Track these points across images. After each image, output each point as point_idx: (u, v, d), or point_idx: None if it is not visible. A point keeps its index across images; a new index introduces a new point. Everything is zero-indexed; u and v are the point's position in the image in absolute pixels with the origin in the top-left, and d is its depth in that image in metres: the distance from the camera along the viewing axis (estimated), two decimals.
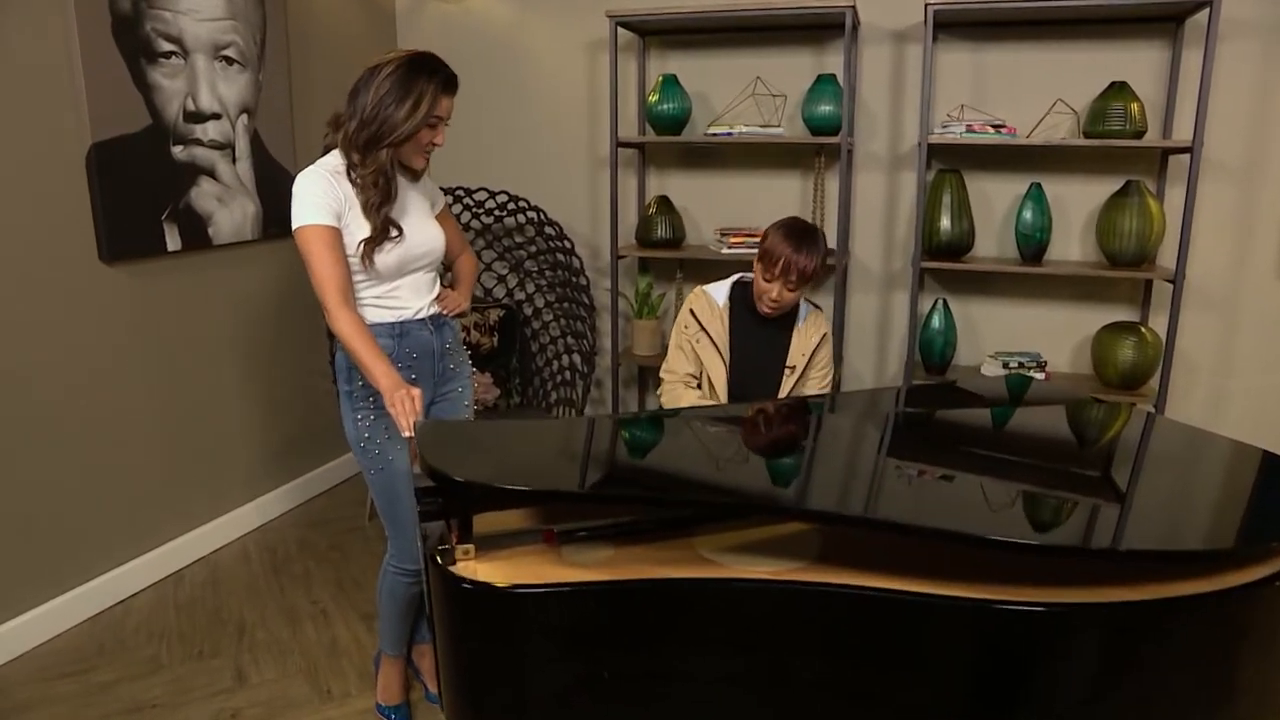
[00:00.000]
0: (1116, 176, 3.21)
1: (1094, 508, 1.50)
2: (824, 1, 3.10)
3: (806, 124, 3.38)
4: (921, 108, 3.12)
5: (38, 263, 2.58)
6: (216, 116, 3.10)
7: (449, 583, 1.31)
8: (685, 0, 3.37)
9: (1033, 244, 3.21)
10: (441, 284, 2.22)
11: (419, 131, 1.97)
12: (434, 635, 1.41)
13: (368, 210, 1.97)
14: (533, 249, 3.92)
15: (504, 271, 3.99)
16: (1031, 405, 2.13)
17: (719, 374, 2.51)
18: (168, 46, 2.88)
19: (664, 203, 3.63)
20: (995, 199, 3.40)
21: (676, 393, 2.55)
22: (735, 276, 2.63)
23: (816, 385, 2.57)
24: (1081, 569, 1.36)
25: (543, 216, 3.76)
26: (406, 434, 1.78)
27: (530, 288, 3.97)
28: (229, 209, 3.19)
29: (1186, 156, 2.98)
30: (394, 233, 2.00)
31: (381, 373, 1.87)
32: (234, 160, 3.19)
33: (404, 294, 2.09)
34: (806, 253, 2.36)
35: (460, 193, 3.74)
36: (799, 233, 2.40)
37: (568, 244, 3.75)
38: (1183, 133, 3.09)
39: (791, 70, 3.52)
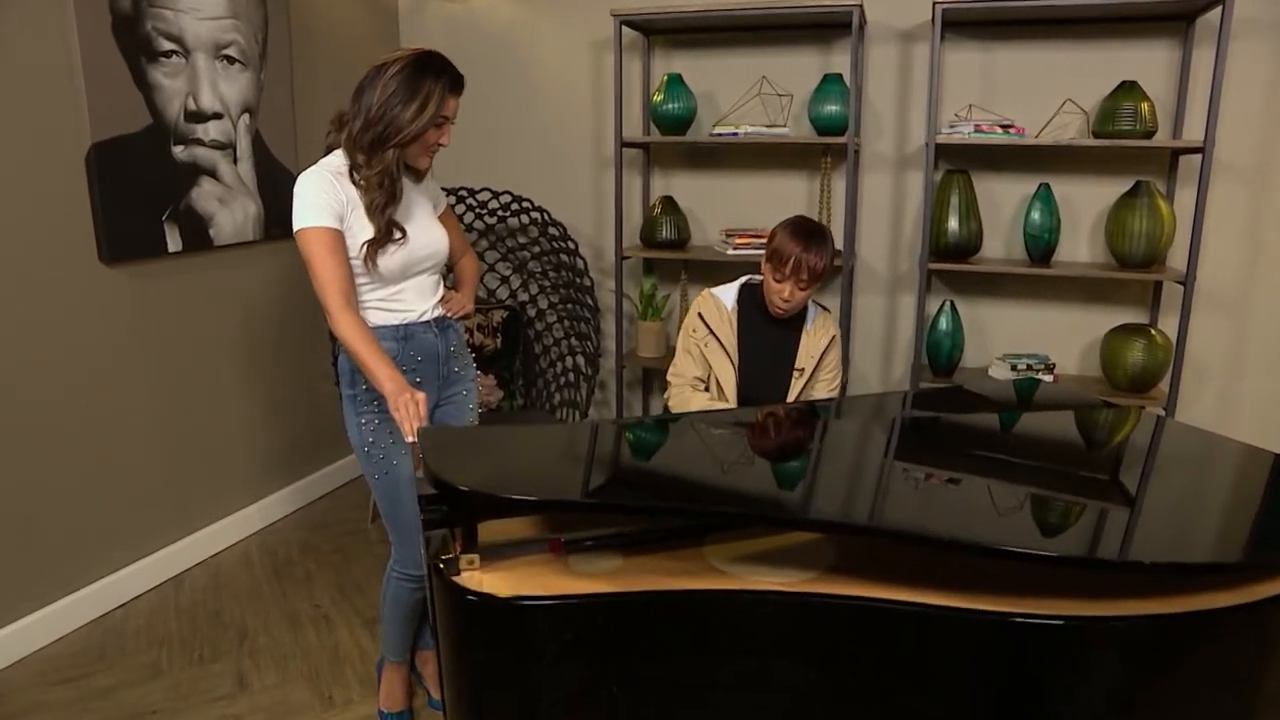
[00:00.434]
0: (1126, 177, 3.18)
1: (1103, 515, 1.47)
2: (831, 0, 3.07)
3: (813, 124, 3.35)
4: (929, 107, 3.09)
5: (37, 264, 2.56)
6: (218, 116, 3.07)
7: (454, 594, 1.29)
8: None
9: (1041, 245, 3.18)
10: (445, 285, 2.20)
11: (426, 132, 1.94)
12: (437, 642, 1.39)
13: (372, 212, 1.94)
14: (536, 250, 3.89)
15: (507, 272, 3.96)
16: (1041, 408, 2.10)
17: (728, 377, 2.48)
18: (168, 45, 2.85)
19: (669, 203, 3.60)
20: (1003, 200, 3.37)
21: (685, 396, 2.52)
22: (743, 279, 2.60)
23: (825, 388, 2.54)
24: (1100, 577, 1.34)
25: (546, 217, 3.73)
26: (410, 439, 1.75)
27: (534, 289, 3.94)
28: (230, 209, 3.16)
29: (1196, 157, 2.95)
30: (397, 235, 1.98)
31: (385, 376, 1.84)
32: (235, 160, 3.16)
33: (408, 296, 2.06)
34: (816, 250, 2.34)
35: (463, 193, 3.72)
36: (807, 231, 2.38)
37: (572, 245, 3.72)
38: (1193, 133, 3.06)
39: (797, 70, 3.49)
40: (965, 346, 3.37)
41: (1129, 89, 2.99)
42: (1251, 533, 1.44)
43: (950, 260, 3.24)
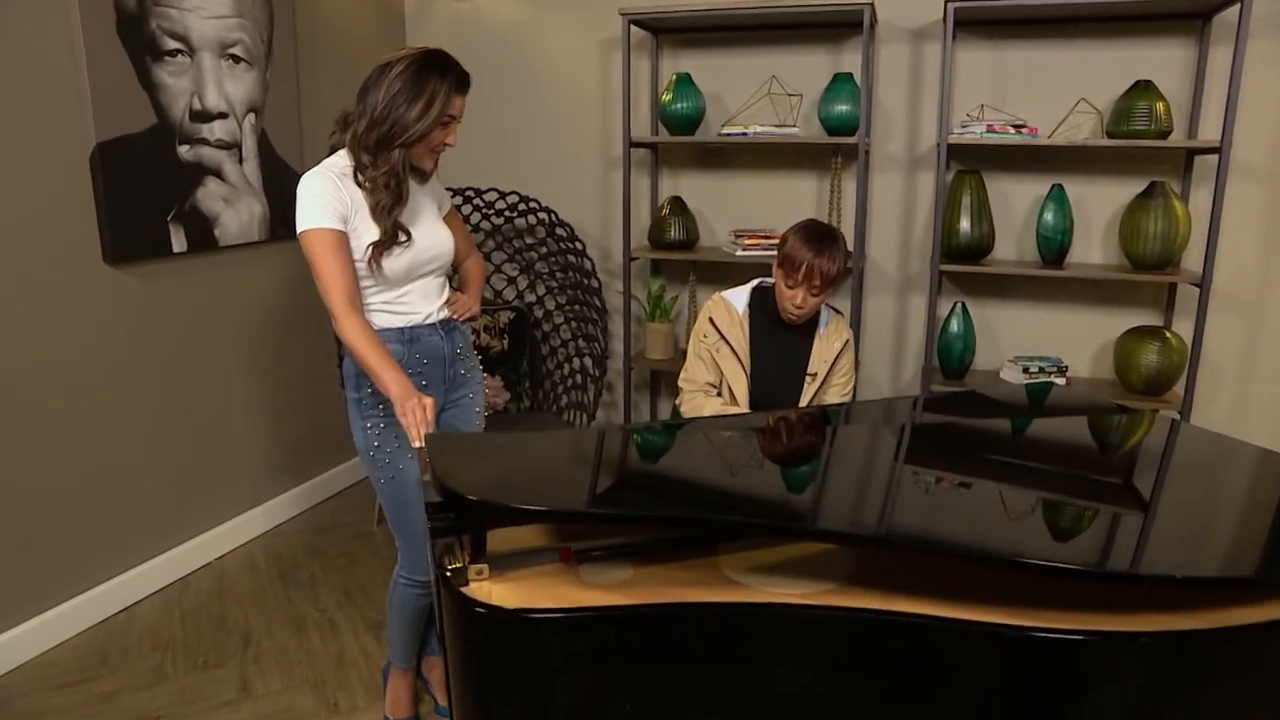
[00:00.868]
0: (1140, 178, 3.14)
1: (1126, 525, 1.44)
2: None
3: (823, 124, 3.32)
4: (940, 107, 3.06)
5: (41, 264, 2.53)
6: (223, 116, 3.04)
7: (462, 605, 1.25)
8: None
9: (1054, 246, 3.14)
10: (450, 286, 2.17)
11: (431, 131, 1.91)
12: (444, 649, 1.36)
13: (377, 213, 1.91)
14: (544, 250, 3.86)
15: (514, 273, 3.94)
16: (1054, 412, 2.07)
17: (740, 383, 2.45)
18: (173, 44, 2.83)
19: (677, 204, 3.57)
20: (1015, 200, 3.33)
21: (697, 401, 2.49)
22: (754, 282, 2.56)
23: (838, 393, 2.50)
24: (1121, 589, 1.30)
25: (554, 218, 3.70)
26: (417, 444, 1.72)
27: (541, 290, 3.91)
28: (235, 210, 3.14)
29: (1212, 157, 2.92)
30: (402, 237, 1.94)
31: (391, 380, 1.81)
32: (241, 160, 3.14)
33: (413, 299, 2.03)
34: (828, 255, 2.30)
35: (470, 193, 3.69)
36: (819, 235, 2.34)
37: (579, 245, 3.69)
38: (1209, 133, 3.02)
39: (807, 69, 3.45)
40: (977, 349, 3.34)
41: (1144, 88, 2.95)
42: (1266, 547, 1.40)
43: (962, 261, 3.21)
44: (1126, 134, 2.94)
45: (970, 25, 3.23)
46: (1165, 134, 2.93)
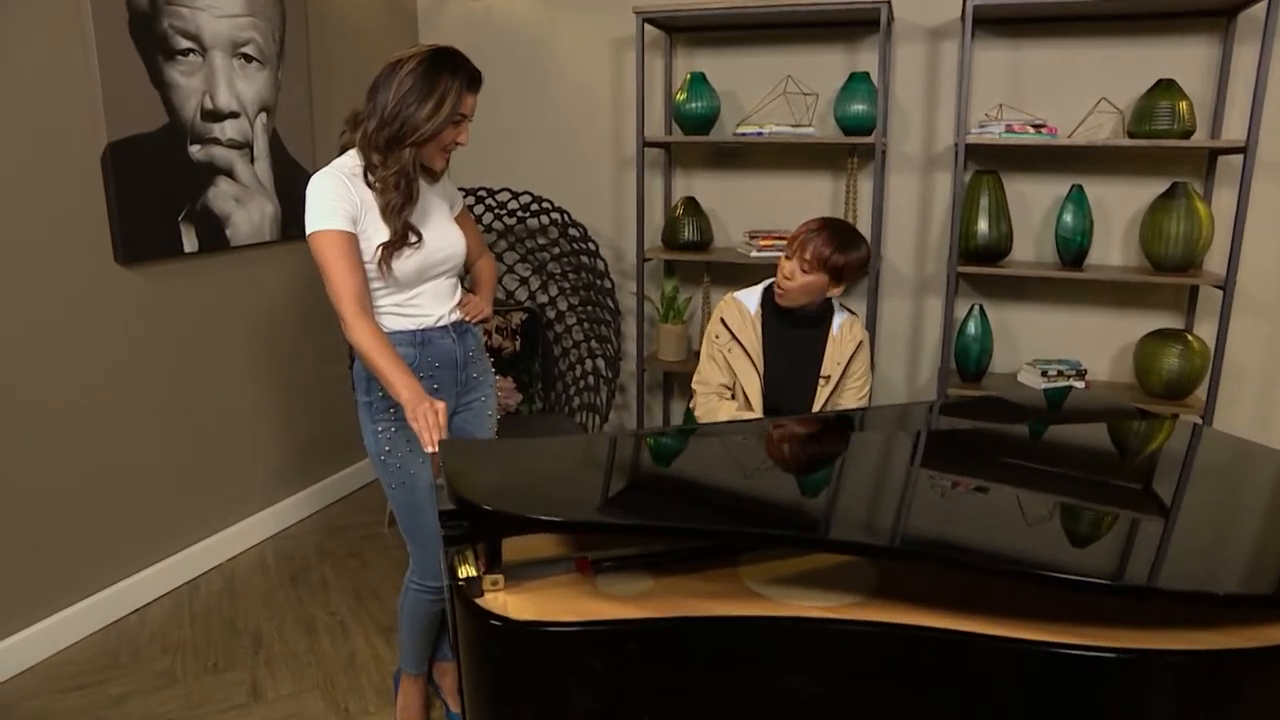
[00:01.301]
0: (1162, 178, 3.09)
1: (1134, 531, 1.40)
2: None
3: (839, 124, 3.28)
4: (958, 107, 3.02)
5: (52, 264, 2.52)
6: (235, 115, 3.03)
7: (477, 617, 1.23)
8: None
9: (1073, 248, 3.09)
10: (462, 287, 2.14)
11: (443, 130, 1.88)
12: (457, 657, 1.33)
13: (387, 213, 1.88)
14: (556, 251, 3.84)
15: (527, 274, 3.91)
16: (1074, 417, 2.03)
17: (753, 384, 2.41)
18: (185, 44, 2.81)
19: (691, 204, 3.54)
20: (1034, 201, 3.28)
21: (712, 405, 2.45)
22: (766, 282, 2.53)
23: (854, 396, 2.47)
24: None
25: (567, 218, 3.67)
26: (430, 449, 1.69)
27: (553, 290, 3.89)
28: (247, 209, 3.12)
29: (1236, 157, 2.87)
30: (413, 238, 1.92)
31: (402, 384, 1.78)
32: (252, 160, 3.12)
33: (425, 301, 2.01)
34: (828, 237, 2.29)
35: (483, 193, 3.67)
36: (833, 223, 2.36)
37: (592, 246, 3.66)
38: (1232, 132, 2.97)
39: (823, 68, 3.41)
40: (994, 352, 3.29)
41: (1166, 87, 2.90)
42: None
43: (979, 263, 3.16)
44: (1148, 134, 2.90)
45: (989, 23, 3.19)
46: (1188, 134, 2.88)
